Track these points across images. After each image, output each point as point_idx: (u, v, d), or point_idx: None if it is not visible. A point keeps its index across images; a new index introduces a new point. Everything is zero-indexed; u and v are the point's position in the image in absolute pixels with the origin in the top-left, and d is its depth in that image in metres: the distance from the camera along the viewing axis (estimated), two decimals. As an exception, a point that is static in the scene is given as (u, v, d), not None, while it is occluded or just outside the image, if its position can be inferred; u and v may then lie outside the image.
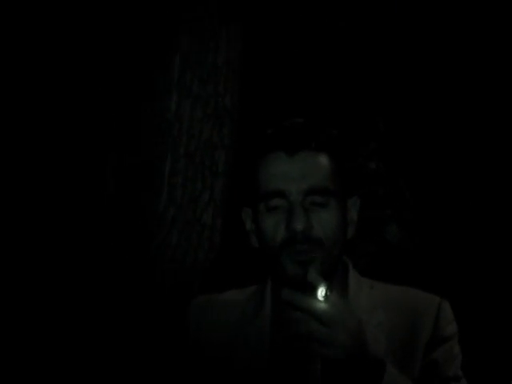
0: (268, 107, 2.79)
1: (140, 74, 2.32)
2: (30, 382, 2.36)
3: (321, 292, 1.43)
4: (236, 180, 2.42)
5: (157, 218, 2.30)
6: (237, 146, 2.54)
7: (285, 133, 1.74)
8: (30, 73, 2.42)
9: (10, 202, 2.45)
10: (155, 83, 2.34)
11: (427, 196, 2.52)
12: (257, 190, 1.77)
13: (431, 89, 2.70)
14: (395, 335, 1.71)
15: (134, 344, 2.26)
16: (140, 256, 2.28)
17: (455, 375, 1.68)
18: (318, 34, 2.62)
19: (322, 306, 1.41)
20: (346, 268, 1.84)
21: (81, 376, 2.32)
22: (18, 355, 2.37)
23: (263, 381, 1.72)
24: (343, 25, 2.64)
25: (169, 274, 2.29)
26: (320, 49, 2.54)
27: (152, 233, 2.29)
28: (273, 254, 1.71)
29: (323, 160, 1.71)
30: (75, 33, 2.36)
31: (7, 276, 2.42)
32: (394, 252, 2.44)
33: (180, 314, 2.00)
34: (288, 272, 1.71)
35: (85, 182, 2.36)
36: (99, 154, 2.32)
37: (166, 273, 2.28)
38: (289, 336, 1.79)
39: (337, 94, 2.57)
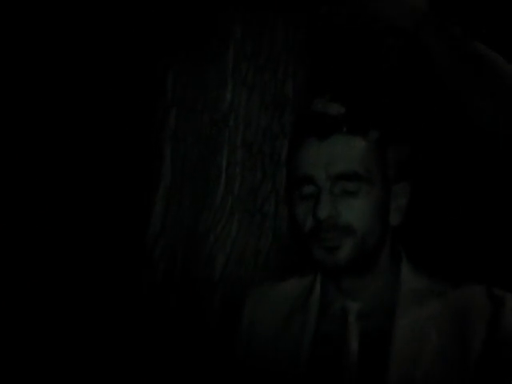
0: (336, 90, 2.72)
1: (193, 66, 2.31)
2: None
3: None
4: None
5: (214, 209, 2.29)
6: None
7: (316, 117, 1.70)
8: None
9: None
10: (208, 74, 2.32)
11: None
12: (290, 176, 1.75)
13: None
14: (447, 330, 1.65)
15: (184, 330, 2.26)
16: (198, 249, 2.27)
17: None
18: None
19: None
20: (398, 257, 1.79)
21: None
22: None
23: (303, 373, 1.71)
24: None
25: (229, 264, 2.28)
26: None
27: (210, 224, 2.28)
28: (303, 241, 1.70)
29: (356, 144, 1.67)
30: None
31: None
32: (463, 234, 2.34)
33: (238, 309, 2.01)
34: (315, 258, 1.69)
35: (138, 174, 2.38)
36: (154, 146, 2.33)
37: (226, 264, 2.27)
38: None
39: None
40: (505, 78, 1.24)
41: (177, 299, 2.28)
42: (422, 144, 2.20)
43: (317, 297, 1.79)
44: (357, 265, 1.68)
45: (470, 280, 1.72)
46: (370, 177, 1.66)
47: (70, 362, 2.40)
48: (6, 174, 2.45)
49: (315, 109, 1.73)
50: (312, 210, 1.64)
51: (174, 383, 2.25)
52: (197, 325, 2.23)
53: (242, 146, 2.31)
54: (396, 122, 1.83)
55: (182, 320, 2.25)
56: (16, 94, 2.47)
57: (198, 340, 2.24)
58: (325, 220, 1.62)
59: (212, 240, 2.28)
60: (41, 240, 2.47)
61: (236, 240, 2.29)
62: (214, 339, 2.21)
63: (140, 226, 2.40)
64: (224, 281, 2.27)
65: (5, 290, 2.41)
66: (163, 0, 2.29)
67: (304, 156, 1.69)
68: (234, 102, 2.30)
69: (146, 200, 2.39)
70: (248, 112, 2.32)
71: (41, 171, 2.48)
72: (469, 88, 1.26)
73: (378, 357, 1.65)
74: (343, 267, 1.65)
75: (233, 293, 2.26)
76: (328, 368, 1.68)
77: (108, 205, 2.50)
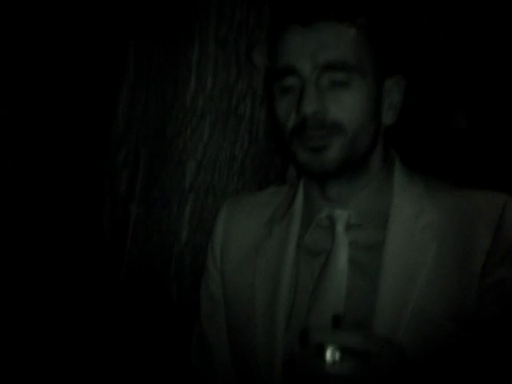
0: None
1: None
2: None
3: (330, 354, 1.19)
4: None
5: (184, 110, 2.07)
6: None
7: (300, 2, 1.52)
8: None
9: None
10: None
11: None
12: (272, 67, 1.57)
13: None
14: (448, 239, 1.48)
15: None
16: (166, 155, 2.07)
17: None
18: None
19: None
20: (391, 161, 1.63)
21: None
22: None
23: (286, 286, 1.56)
24: None
25: (201, 172, 2.08)
26: None
27: (179, 128, 2.07)
28: (285, 140, 1.53)
29: (345, 31, 1.47)
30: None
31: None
32: (463, 140, 2.17)
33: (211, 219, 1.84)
34: (299, 160, 1.52)
35: (100, 74, 2.18)
36: (115, 40, 2.12)
37: (198, 171, 2.07)
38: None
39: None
40: None
41: (142, 211, 2.09)
42: (417, 33, 1.99)
43: (299, 205, 1.61)
44: (346, 168, 1.49)
45: (468, 184, 1.56)
46: (360, 67, 1.47)
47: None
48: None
49: None
50: (296, 106, 1.44)
51: (144, 298, 2.11)
52: (165, 238, 2.05)
53: (214, 40, 2.08)
54: (388, 9, 1.63)
55: (149, 234, 2.07)
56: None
57: (168, 254, 2.07)
58: (310, 116, 1.43)
59: (181, 145, 2.07)
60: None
61: (208, 145, 2.08)
62: (185, 252, 2.04)
63: (101, 132, 2.20)
64: (195, 190, 2.07)
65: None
66: None
67: (286, 45, 1.49)
68: (206, -10, 2.08)
69: (108, 102, 2.19)
70: (221, 1, 2.09)
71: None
72: None
73: (369, 271, 1.48)
74: (331, 170, 1.47)
75: (205, 203, 2.08)
76: (314, 281, 1.51)
77: (67, 108, 2.33)
